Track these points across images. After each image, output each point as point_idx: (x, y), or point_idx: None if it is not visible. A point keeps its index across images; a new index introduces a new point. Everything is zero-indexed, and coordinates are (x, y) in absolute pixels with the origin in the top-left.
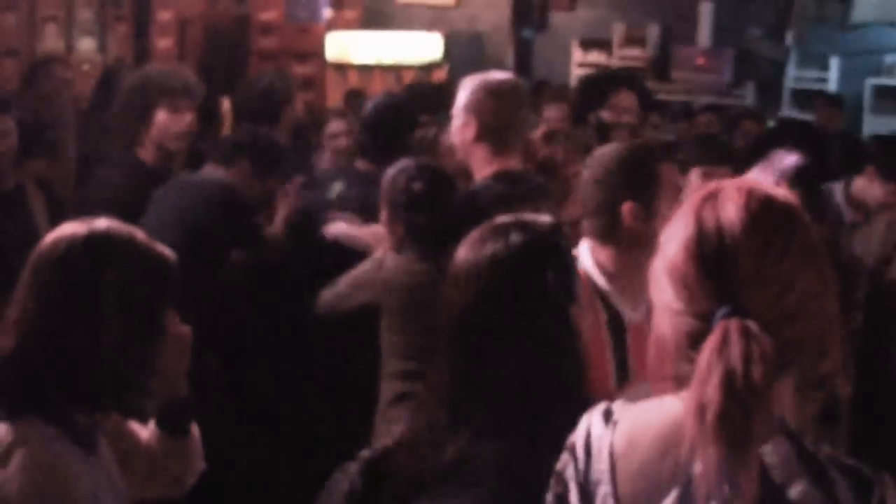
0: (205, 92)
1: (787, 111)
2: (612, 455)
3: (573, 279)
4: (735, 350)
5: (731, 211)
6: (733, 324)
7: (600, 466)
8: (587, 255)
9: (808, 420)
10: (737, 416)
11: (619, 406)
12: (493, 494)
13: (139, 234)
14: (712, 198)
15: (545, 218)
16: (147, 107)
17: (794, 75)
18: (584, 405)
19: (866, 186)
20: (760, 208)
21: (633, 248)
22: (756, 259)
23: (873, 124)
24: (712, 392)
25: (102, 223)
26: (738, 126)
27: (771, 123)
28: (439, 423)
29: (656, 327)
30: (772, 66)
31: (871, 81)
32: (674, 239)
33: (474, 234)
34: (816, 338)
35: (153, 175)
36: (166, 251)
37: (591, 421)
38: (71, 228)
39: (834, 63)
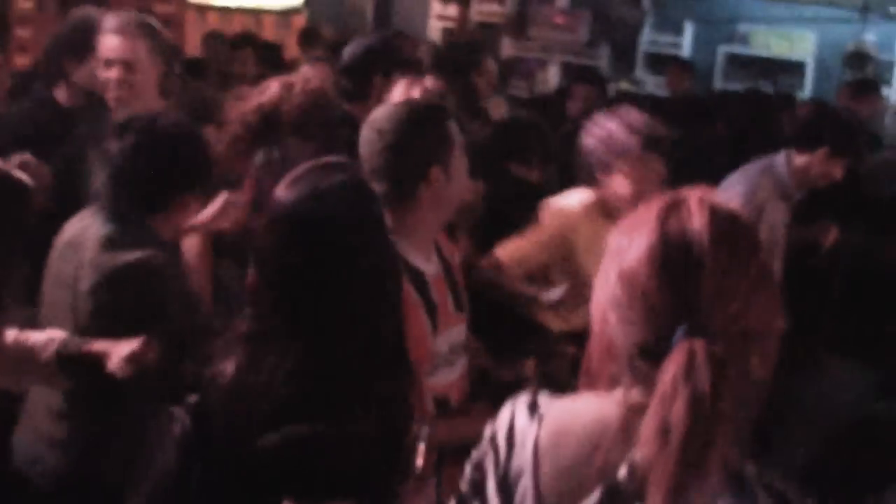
0: None
1: (641, 74)
2: (536, 449)
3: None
4: (702, 374)
5: (698, 224)
6: (699, 345)
7: (523, 459)
8: None
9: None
10: (701, 442)
11: (544, 399)
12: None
13: None
14: (676, 208)
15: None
16: (87, 47)
17: (649, 39)
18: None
19: (815, 163)
20: (727, 224)
21: (431, 208)
22: (720, 276)
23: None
24: (678, 415)
25: None
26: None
27: (625, 85)
28: (266, 361)
29: (601, 330)
30: (628, 28)
31: (724, 49)
32: (633, 245)
33: (294, 174)
34: (764, 358)
35: (69, 115)
36: (23, 177)
37: (515, 411)
38: None
39: (688, 29)
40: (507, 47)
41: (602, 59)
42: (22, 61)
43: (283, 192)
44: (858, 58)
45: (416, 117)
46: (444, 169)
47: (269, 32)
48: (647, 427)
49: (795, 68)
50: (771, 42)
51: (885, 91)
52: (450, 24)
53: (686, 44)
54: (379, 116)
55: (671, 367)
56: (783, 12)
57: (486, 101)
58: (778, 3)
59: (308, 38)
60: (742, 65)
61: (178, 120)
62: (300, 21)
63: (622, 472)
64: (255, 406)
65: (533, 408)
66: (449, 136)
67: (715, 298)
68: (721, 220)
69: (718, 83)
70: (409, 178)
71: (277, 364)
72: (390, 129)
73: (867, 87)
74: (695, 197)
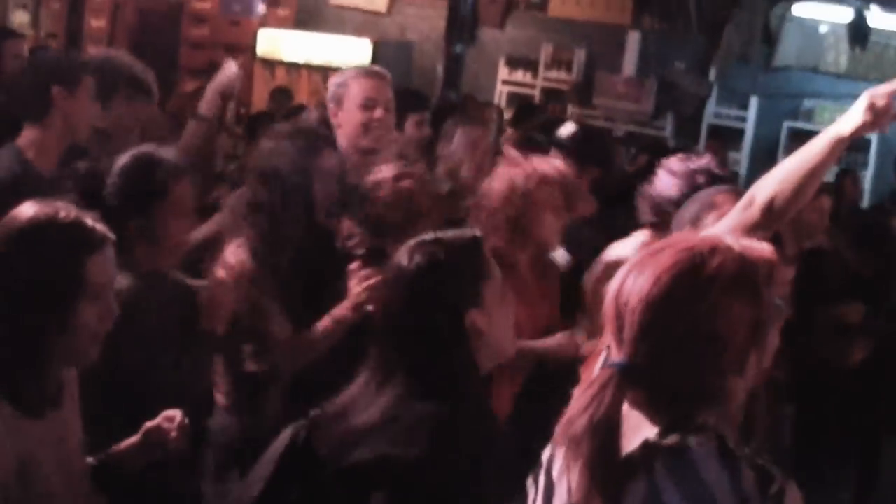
0: None
1: (705, 146)
2: None
3: (478, 286)
4: (606, 400)
5: (642, 284)
6: (614, 373)
7: None
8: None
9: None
10: (598, 456)
11: None
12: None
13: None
14: (644, 260)
15: (465, 232)
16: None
17: (713, 111)
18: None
19: None
20: (673, 286)
21: None
22: (647, 330)
23: None
24: (581, 431)
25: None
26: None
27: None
28: (369, 390)
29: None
30: (693, 100)
31: (788, 124)
32: (611, 286)
33: (409, 244)
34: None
35: None
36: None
37: None
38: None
39: (753, 103)
40: (572, 115)
41: (666, 130)
42: None
43: (404, 257)
44: None
45: None
46: None
47: None
48: (558, 432)
49: (859, 144)
50: (836, 118)
51: None
52: (516, 89)
53: (751, 117)
54: None
55: (591, 385)
56: (848, 88)
57: None
58: (843, 79)
59: None
60: (806, 140)
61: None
62: None
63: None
64: (358, 432)
65: None
66: None
67: (640, 342)
68: (668, 283)
69: (782, 158)
70: None
71: (383, 400)
72: None
73: None
74: (667, 252)
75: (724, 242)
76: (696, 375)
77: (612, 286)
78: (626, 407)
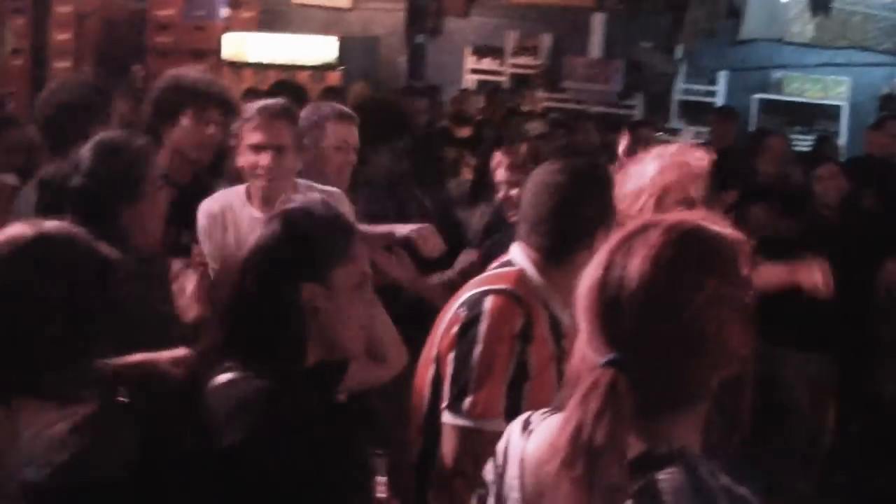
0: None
1: (675, 123)
2: (522, 462)
3: (325, 263)
4: (593, 405)
5: (634, 267)
6: (604, 375)
7: (512, 473)
8: (522, 256)
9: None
10: (580, 467)
11: (537, 416)
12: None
13: (81, 234)
14: (628, 241)
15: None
16: (174, 111)
17: (682, 88)
18: None
19: None
20: (663, 269)
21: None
22: (646, 319)
23: None
24: (563, 441)
25: (51, 225)
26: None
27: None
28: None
29: (574, 350)
30: (661, 78)
31: (757, 96)
32: (588, 273)
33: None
34: (710, 376)
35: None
36: (109, 252)
37: (513, 430)
38: (19, 229)
39: (722, 77)
40: (542, 99)
41: (636, 109)
42: None
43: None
44: (893, 100)
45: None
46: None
47: None
48: (549, 446)
49: (830, 113)
50: (805, 88)
51: None
52: (484, 77)
53: (720, 92)
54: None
55: (578, 391)
56: (816, 58)
57: None
58: (811, 50)
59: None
60: (776, 111)
61: None
62: (335, 77)
63: None
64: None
65: (526, 425)
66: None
67: (640, 335)
68: (661, 262)
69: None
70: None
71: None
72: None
73: (882, 119)
74: (654, 229)
75: (702, 222)
76: (687, 373)
77: (591, 274)
78: None
